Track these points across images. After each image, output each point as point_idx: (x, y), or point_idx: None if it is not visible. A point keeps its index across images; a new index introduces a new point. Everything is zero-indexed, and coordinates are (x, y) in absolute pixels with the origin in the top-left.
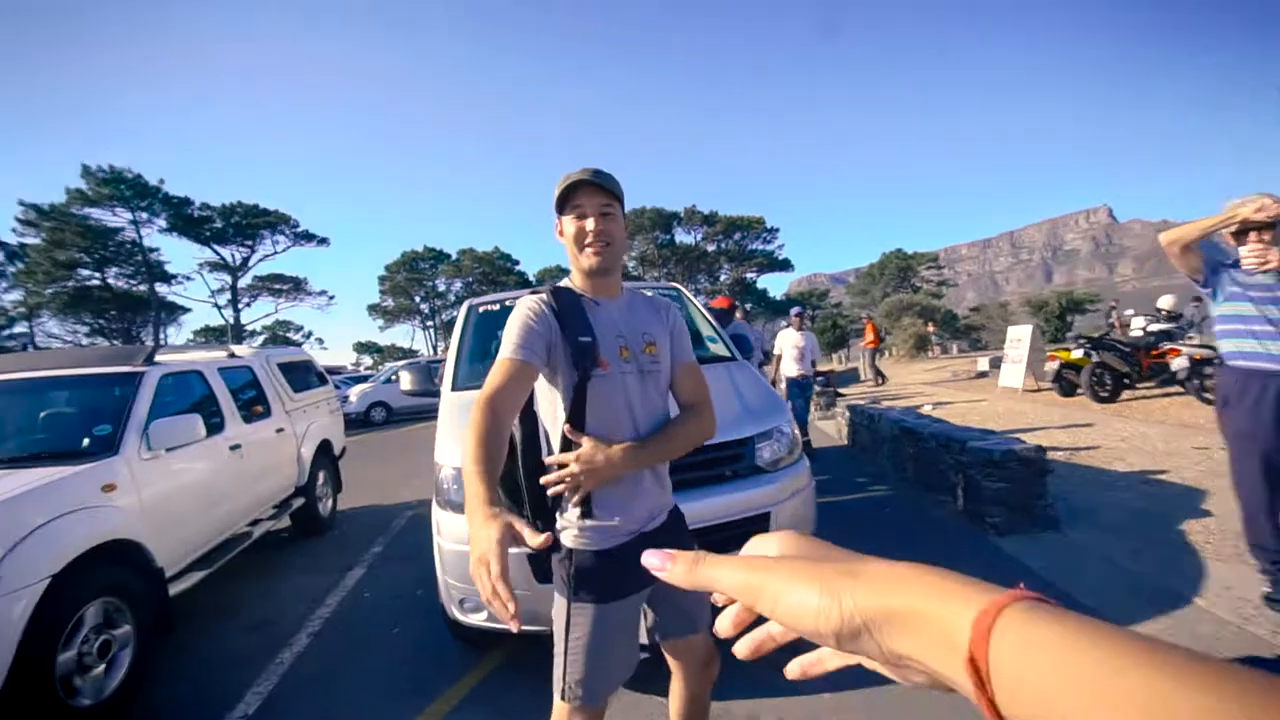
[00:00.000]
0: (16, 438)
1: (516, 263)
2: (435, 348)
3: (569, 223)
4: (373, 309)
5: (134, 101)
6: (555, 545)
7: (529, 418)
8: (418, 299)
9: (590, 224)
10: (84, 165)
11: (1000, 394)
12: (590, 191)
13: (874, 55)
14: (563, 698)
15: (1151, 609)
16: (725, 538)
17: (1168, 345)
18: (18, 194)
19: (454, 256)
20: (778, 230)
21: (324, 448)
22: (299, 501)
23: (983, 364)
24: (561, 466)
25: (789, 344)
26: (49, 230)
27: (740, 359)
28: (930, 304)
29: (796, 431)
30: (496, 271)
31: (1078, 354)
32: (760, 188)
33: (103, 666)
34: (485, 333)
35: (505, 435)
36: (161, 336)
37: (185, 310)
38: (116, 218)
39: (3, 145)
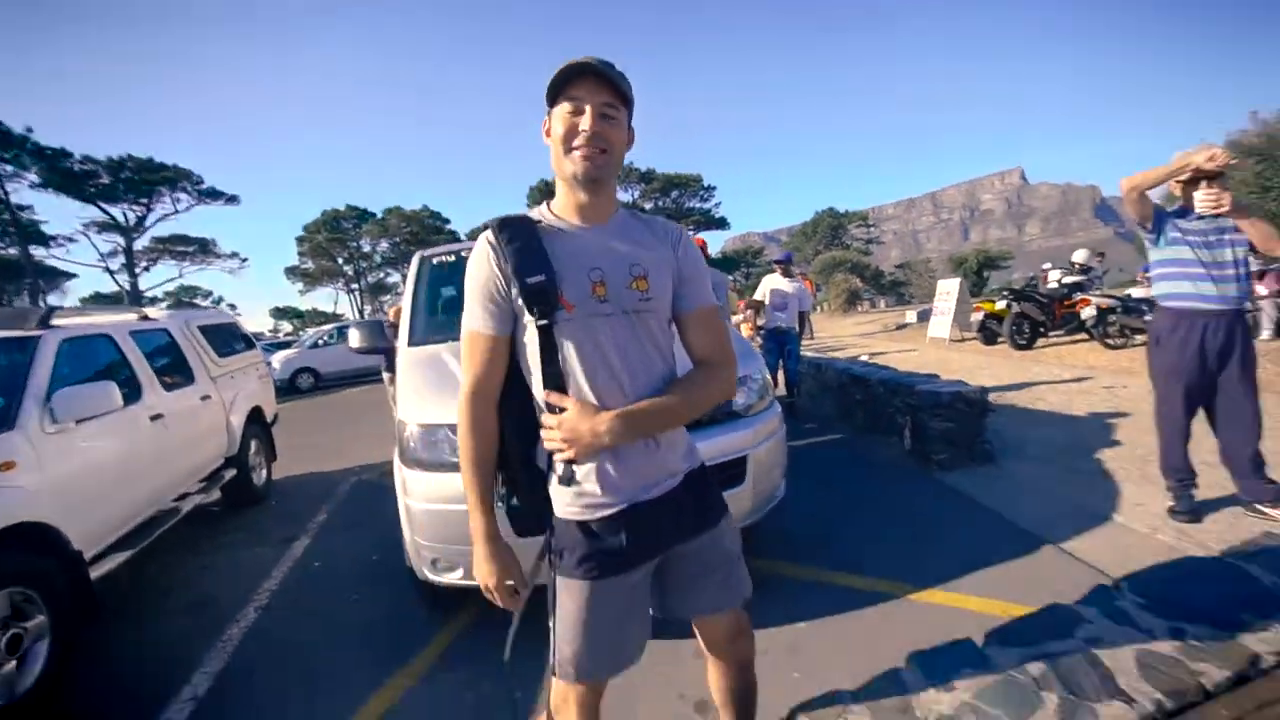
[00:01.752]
0: None
1: (446, 221)
2: (362, 311)
3: (560, 118)
4: (291, 272)
5: None
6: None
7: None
8: (340, 260)
9: (585, 122)
10: None
11: (929, 344)
12: (593, 84)
13: (805, 18)
14: (553, 673)
15: (1080, 527)
16: None
17: (1079, 296)
18: None
19: (379, 215)
20: (714, 189)
21: (255, 415)
22: (231, 473)
23: (910, 316)
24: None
25: (771, 291)
26: None
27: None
28: (860, 261)
29: (768, 377)
30: (426, 231)
31: (1001, 305)
32: (696, 146)
33: (14, 663)
34: (439, 285)
35: (495, 428)
36: (41, 305)
37: (70, 276)
38: None
39: None
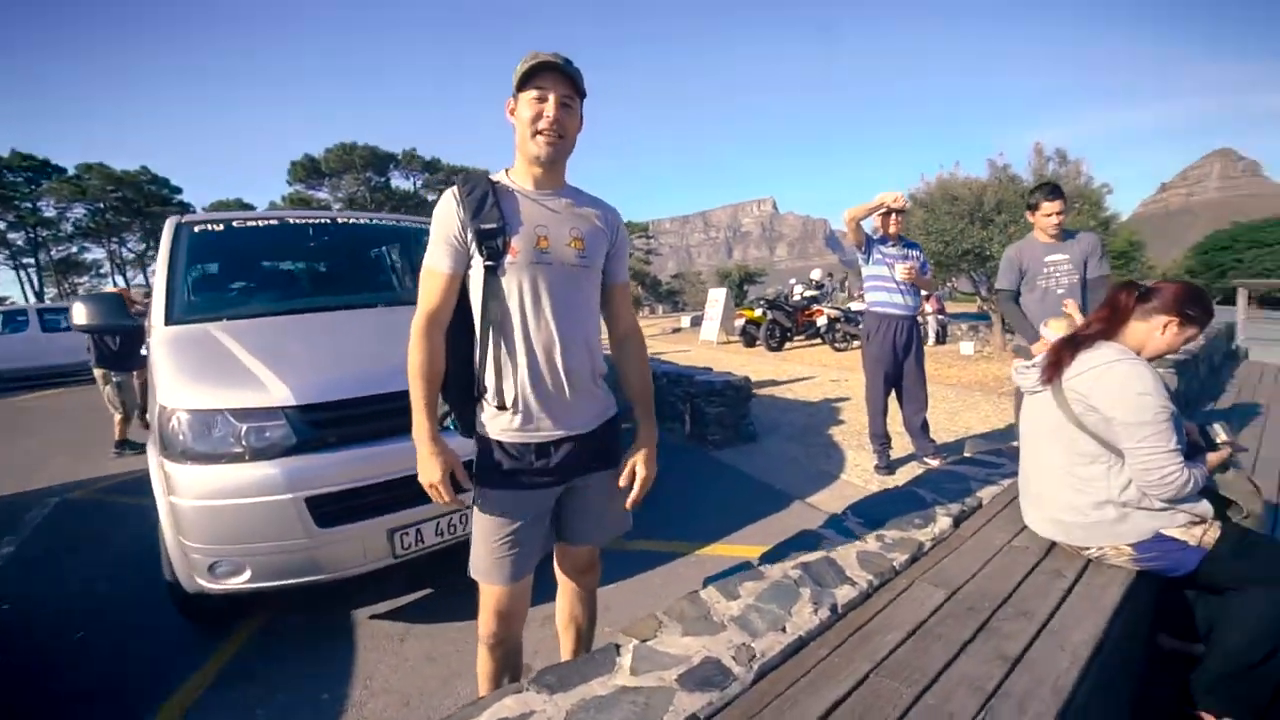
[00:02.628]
0: None
1: (177, 190)
2: (41, 293)
3: (526, 103)
4: None
5: None
6: (472, 433)
7: (457, 312)
8: (1, 225)
9: (549, 109)
10: None
11: (701, 345)
12: (557, 77)
13: (603, 29)
14: (471, 574)
15: (818, 485)
16: None
17: (815, 307)
18: None
19: (70, 172)
20: None
21: None
22: None
23: (684, 321)
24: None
25: None
26: None
27: None
28: (642, 270)
29: None
30: (146, 199)
31: (758, 313)
32: (488, 138)
33: None
34: (204, 257)
35: (443, 352)
36: None
37: None
38: None
39: None
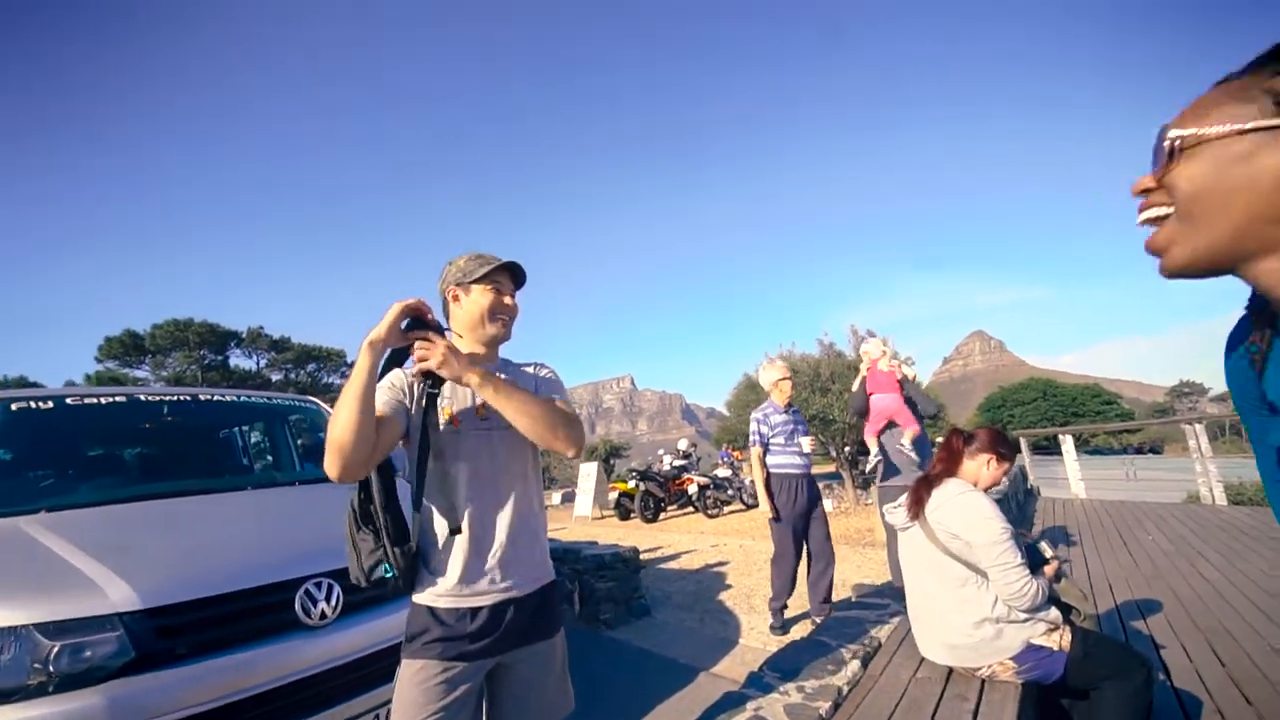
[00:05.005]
0: None
1: None
2: None
3: (482, 293)
4: None
5: None
6: (412, 588)
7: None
8: None
9: (509, 300)
10: None
11: (575, 521)
12: (509, 277)
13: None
14: None
15: (720, 653)
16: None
17: (686, 475)
18: None
19: None
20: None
21: None
22: None
23: (555, 498)
24: None
25: None
26: None
27: None
28: None
29: None
30: None
31: (632, 484)
32: (341, 318)
33: None
34: (23, 439)
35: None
36: None
37: None
38: None
39: None
